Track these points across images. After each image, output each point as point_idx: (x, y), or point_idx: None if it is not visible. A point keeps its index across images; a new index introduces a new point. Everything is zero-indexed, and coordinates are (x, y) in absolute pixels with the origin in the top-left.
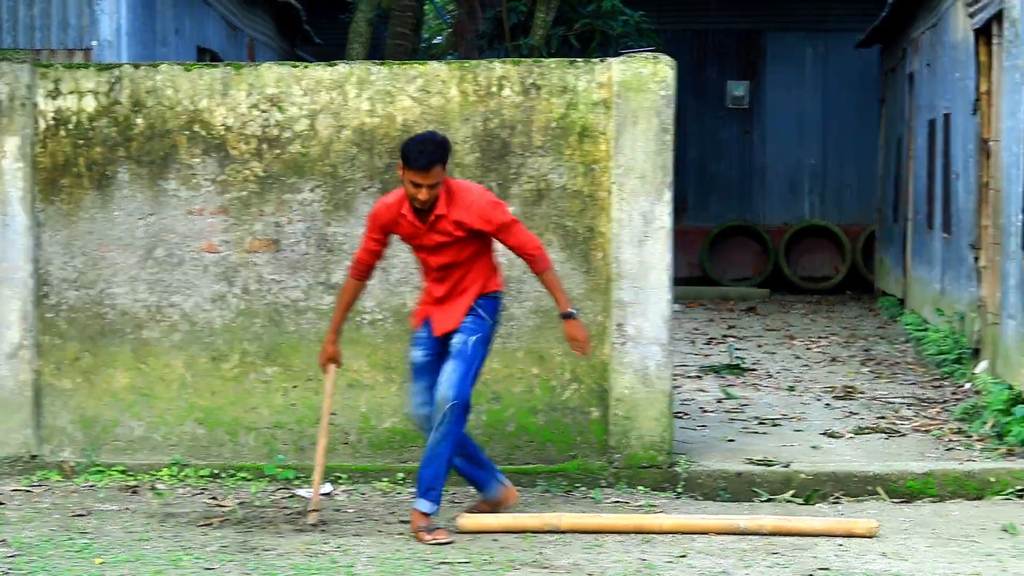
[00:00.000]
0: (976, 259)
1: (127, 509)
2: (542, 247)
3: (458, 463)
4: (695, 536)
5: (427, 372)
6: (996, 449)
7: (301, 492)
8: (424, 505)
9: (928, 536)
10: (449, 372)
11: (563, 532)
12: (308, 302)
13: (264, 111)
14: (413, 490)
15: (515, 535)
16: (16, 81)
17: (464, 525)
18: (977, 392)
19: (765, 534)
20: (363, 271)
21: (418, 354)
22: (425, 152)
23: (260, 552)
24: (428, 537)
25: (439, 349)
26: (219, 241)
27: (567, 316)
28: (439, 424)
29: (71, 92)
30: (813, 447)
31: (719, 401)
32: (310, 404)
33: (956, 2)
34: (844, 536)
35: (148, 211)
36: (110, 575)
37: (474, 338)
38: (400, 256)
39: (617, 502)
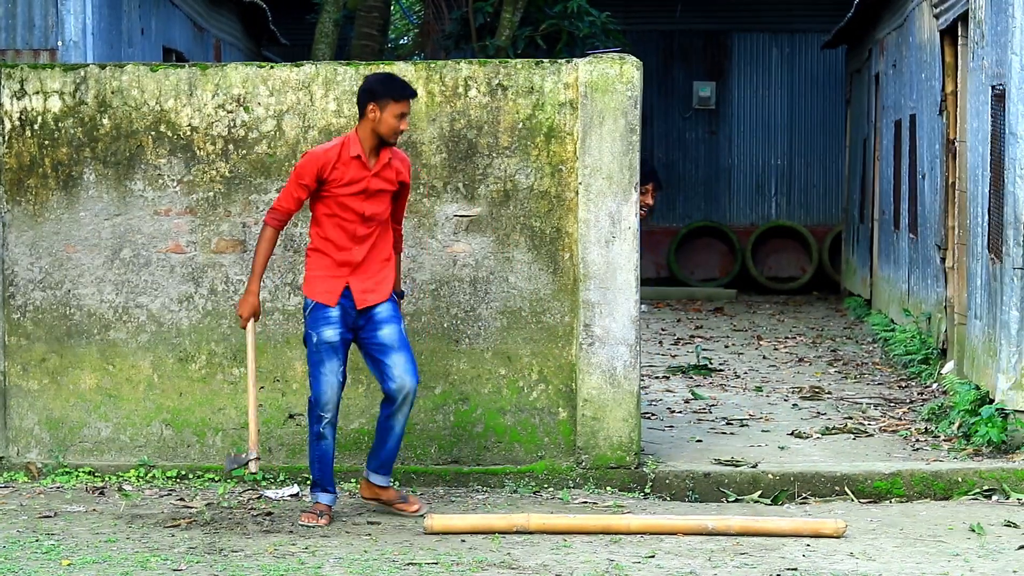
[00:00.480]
0: (942, 259)
1: (94, 510)
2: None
3: (330, 453)
4: (663, 536)
5: (343, 351)
6: (963, 449)
7: (269, 493)
8: (384, 480)
9: (896, 536)
10: (405, 360)
11: (531, 533)
12: (275, 303)
13: (230, 111)
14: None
15: (483, 536)
16: None
17: (431, 526)
18: (944, 392)
19: (733, 534)
20: (285, 219)
21: (333, 333)
22: (408, 83)
23: (228, 553)
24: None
25: (353, 323)
26: (186, 242)
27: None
28: (404, 406)
29: (36, 92)
30: (780, 447)
31: (687, 402)
32: (277, 405)
33: (922, 3)
34: (812, 536)
35: (114, 212)
36: None
37: (401, 325)
38: None
39: (585, 503)
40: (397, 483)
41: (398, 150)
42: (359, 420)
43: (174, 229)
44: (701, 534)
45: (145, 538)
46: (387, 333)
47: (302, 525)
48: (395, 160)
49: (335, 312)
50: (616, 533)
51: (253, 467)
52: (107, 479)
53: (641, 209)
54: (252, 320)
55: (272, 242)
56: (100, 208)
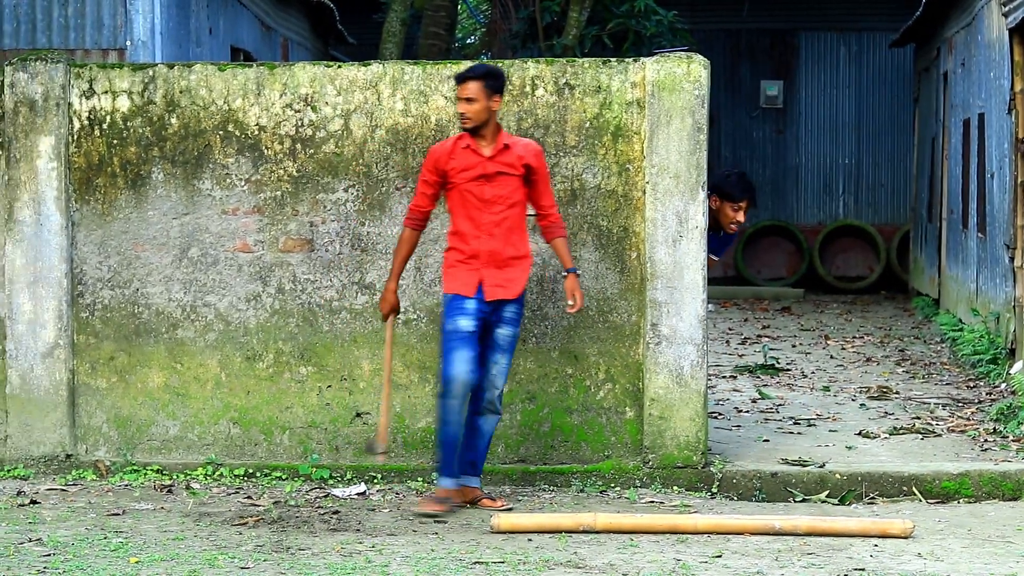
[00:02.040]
0: (1011, 259)
1: (162, 508)
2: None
3: (456, 437)
4: (730, 536)
5: (472, 341)
6: None
7: (336, 492)
8: (476, 481)
9: (964, 537)
10: (503, 366)
11: (598, 532)
12: (342, 302)
13: (298, 111)
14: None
15: (550, 535)
16: (51, 81)
17: (498, 525)
18: (1013, 392)
19: (800, 534)
20: (420, 219)
21: (468, 323)
22: (468, 68)
23: (295, 552)
24: (496, 504)
25: (486, 316)
26: (253, 241)
27: (569, 272)
28: (493, 410)
29: (105, 92)
30: (848, 447)
31: (754, 401)
32: (344, 404)
33: (991, 1)
34: (879, 537)
35: (183, 211)
36: (145, 574)
37: (517, 332)
38: (435, 256)
39: (652, 502)
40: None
41: (524, 138)
42: (426, 419)
43: (242, 228)
44: (768, 534)
45: (213, 536)
46: (504, 333)
47: (418, 513)
48: (517, 146)
49: (471, 303)
50: (683, 532)
51: (380, 459)
52: (175, 477)
53: (731, 225)
54: (392, 316)
55: (409, 243)
56: (168, 207)
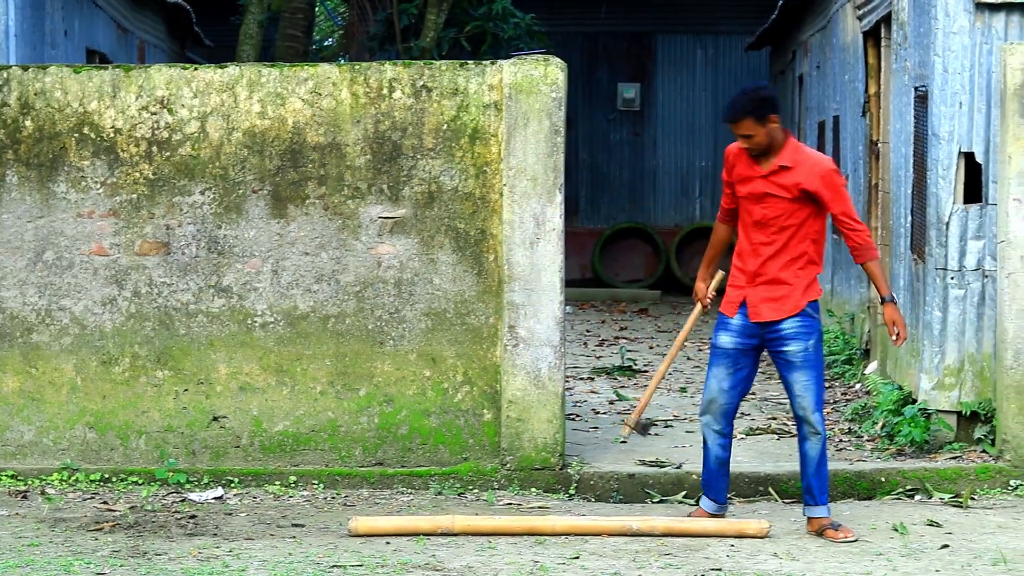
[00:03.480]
0: None
1: (17, 514)
2: (867, 228)
3: (713, 456)
4: (588, 537)
5: (729, 359)
6: (886, 449)
7: (193, 496)
8: (823, 511)
9: (819, 536)
10: (803, 384)
11: (456, 535)
12: (199, 305)
13: (154, 113)
14: (305, 494)
15: (408, 537)
16: None
17: (355, 528)
18: (867, 393)
19: (658, 535)
20: (725, 215)
21: (725, 339)
22: (731, 105)
23: (152, 557)
24: (839, 535)
25: (751, 336)
26: (109, 244)
27: (885, 301)
28: (812, 432)
29: None
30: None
31: (611, 403)
32: (201, 408)
33: (845, 5)
34: (735, 537)
35: (37, 214)
36: None
37: (812, 341)
38: (291, 259)
39: (510, 504)
40: (322, 485)
41: (808, 159)
42: (283, 422)
43: (97, 231)
44: (626, 535)
45: (68, 542)
46: (788, 351)
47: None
48: (800, 169)
49: (734, 321)
50: (541, 534)
51: (624, 432)
52: (30, 483)
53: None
54: (699, 305)
55: (719, 235)
56: (23, 210)
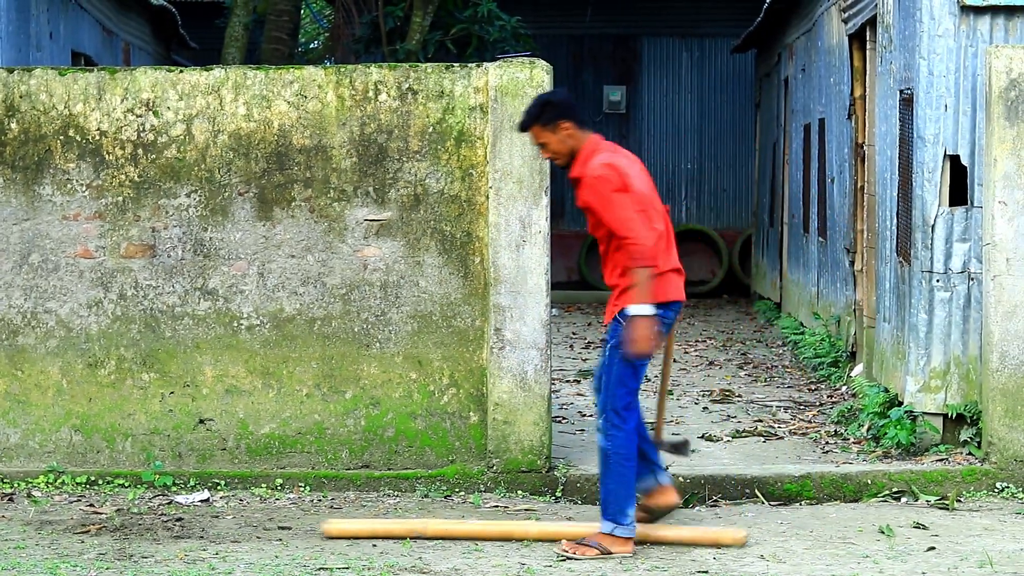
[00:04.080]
0: (851, 263)
1: (3, 517)
2: (639, 239)
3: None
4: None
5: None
6: (872, 451)
7: (179, 499)
8: (605, 526)
9: (806, 538)
10: (604, 388)
11: (429, 539)
12: (185, 308)
13: (140, 116)
14: (292, 496)
15: (394, 540)
16: None
17: (329, 531)
18: (853, 395)
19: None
20: None
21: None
22: (522, 113)
23: (138, 559)
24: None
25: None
26: (95, 247)
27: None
28: (599, 433)
29: None
30: (691, 450)
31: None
32: (187, 410)
33: (830, 7)
34: (711, 546)
35: (22, 216)
36: None
37: (609, 345)
38: (277, 262)
39: (496, 507)
40: (308, 488)
41: (595, 162)
42: (269, 425)
43: (83, 234)
44: None
45: (54, 544)
46: (606, 352)
47: None
48: (585, 178)
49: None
50: (519, 539)
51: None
52: (16, 485)
53: None
54: None
55: None
56: (8, 213)
